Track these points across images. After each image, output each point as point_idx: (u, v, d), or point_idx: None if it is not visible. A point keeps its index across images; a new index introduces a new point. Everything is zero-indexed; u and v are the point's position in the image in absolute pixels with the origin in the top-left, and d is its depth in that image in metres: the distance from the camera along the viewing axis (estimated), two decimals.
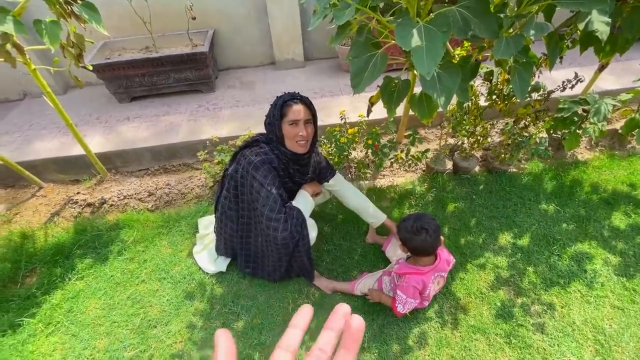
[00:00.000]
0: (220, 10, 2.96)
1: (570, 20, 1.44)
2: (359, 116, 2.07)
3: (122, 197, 2.20)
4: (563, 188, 2.09)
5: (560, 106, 2.09)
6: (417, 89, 1.40)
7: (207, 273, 1.75)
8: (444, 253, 1.45)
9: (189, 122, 2.61)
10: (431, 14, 1.07)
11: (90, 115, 2.78)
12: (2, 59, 1.43)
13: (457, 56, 1.52)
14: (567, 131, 2.12)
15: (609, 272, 1.65)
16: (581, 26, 1.17)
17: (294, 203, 1.46)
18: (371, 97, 1.64)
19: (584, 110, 2.05)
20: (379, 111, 1.93)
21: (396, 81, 1.36)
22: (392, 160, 2.28)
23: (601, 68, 2.13)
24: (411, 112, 1.56)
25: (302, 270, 1.61)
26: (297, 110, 1.30)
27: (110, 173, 2.40)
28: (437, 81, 1.08)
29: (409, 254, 1.43)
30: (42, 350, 1.51)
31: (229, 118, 2.62)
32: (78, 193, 2.26)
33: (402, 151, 2.12)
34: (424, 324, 1.51)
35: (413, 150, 2.13)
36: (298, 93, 1.35)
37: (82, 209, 2.16)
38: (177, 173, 2.43)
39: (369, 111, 1.70)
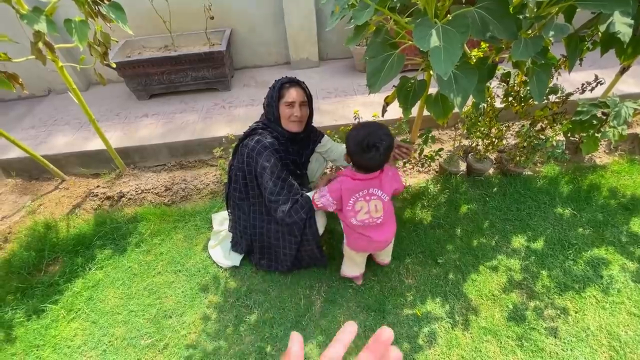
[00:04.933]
0: (238, 11, 3.02)
1: (592, 22, 1.42)
2: (373, 116, 2.08)
3: (139, 192, 2.27)
4: (580, 192, 2.05)
5: (579, 109, 2.05)
6: (432, 90, 1.40)
7: (221, 267, 1.79)
8: (389, 174, 1.32)
9: (205, 119, 2.67)
10: (449, 15, 1.08)
11: (111, 112, 2.87)
12: (34, 57, 1.50)
13: (474, 57, 1.52)
14: (585, 134, 2.08)
15: (626, 278, 1.62)
16: (602, 28, 1.16)
17: (309, 193, 1.49)
18: (387, 97, 1.65)
19: (603, 114, 2.01)
20: (393, 111, 1.94)
21: (412, 81, 1.37)
22: (405, 160, 2.28)
23: (622, 71, 2.08)
24: (425, 113, 1.56)
25: (313, 258, 1.65)
26: (294, 92, 1.41)
27: (129, 168, 2.48)
28: (453, 82, 1.08)
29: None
30: (63, 335, 1.57)
31: (244, 116, 2.67)
32: (98, 186, 2.34)
33: (415, 151, 2.12)
34: (435, 323, 1.51)
35: (426, 150, 2.13)
36: (295, 77, 1.46)
37: (102, 201, 2.24)
38: (193, 169, 2.49)
39: (384, 111, 1.71)
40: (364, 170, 1.28)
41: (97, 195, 2.27)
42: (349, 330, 0.33)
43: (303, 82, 1.47)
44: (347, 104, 2.72)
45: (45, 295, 1.72)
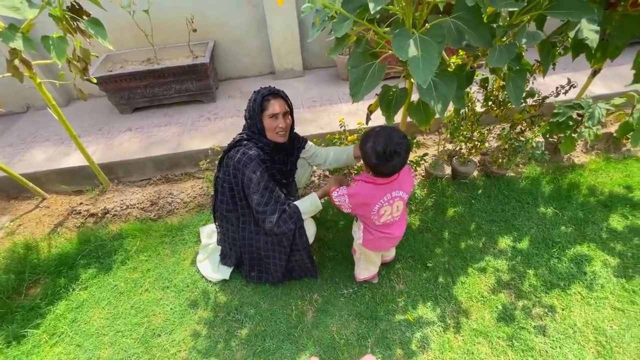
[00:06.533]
0: (221, 23, 3.03)
1: (562, 29, 1.49)
2: (358, 123, 2.10)
3: (124, 207, 2.22)
4: (561, 191, 2.11)
5: (555, 111, 2.13)
6: (415, 97, 1.43)
7: (210, 281, 1.76)
8: (403, 171, 1.31)
9: (191, 131, 2.64)
10: (427, 25, 1.11)
11: (93, 127, 2.82)
12: (11, 74, 1.47)
13: (452, 64, 1.56)
14: (562, 135, 2.16)
15: (608, 273, 1.67)
16: (572, 34, 1.22)
17: (296, 202, 1.49)
18: (370, 105, 1.68)
19: (578, 115, 2.09)
20: (378, 119, 1.97)
21: (394, 89, 1.40)
22: None
23: (594, 73, 2.17)
24: (409, 119, 1.59)
25: (304, 269, 1.64)
26: (276, 104, 1.42)
27: (113, 183, 2.43)
28: (433, 89, 1.11)
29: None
30: None
31: (230, 127, 2.66)
32: (81, 204, 2.28)
33: None
34: (427, 328, 1.52)
35: (412, 155, 2.16)
36: (274, 87, 1.46)
37: (85, 219, 2.18)
38: (179, 182, 2.45)
39: (367, 119, 1.74)
40: (386, 175, 1.25)
41: (80, 212, 2.21)
42: None
43: (283, 92, 1.48)
44: (333, 112, 2.75)
45: (26, 319, 1.65)
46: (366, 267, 1.61)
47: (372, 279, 1.69)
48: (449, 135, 2.17)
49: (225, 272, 1.76)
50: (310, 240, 1.57)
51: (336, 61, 3.13)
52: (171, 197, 2.28)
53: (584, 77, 2.29)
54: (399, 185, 1.28)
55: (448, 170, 2.25)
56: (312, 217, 1.59)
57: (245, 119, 1.52)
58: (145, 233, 2.04)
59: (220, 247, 1.79)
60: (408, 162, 2.16)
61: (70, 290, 1.76)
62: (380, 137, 1.17)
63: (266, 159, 1.46)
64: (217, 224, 1.73)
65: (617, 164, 2.29)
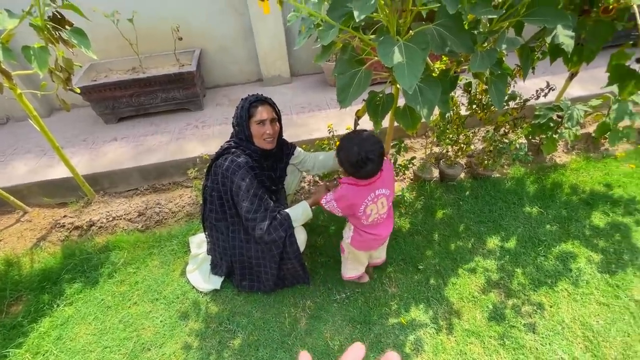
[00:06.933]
0: (207, 31, 3.02)
1: (539, 34, 1.54)
2: (347, 129, 2.12)
3: (110, 219, 2.17)
4: (544, 190, 2.17)
5: (537, 113, 2.20)
6: (401, 102, 1.46)
7: (201, 292, 1.73)
8: (385, 169, 1.34)
9: (178, 140, 2.62)
10: (410, 32, 1.14)
11: (76, 137, 2.76)
12: None
13: (437, 70, 1.60)
14: (544, 136, 2.23)
15: (592, 270, 1.71)
16: (549, 39, 1.27)
17: (287, 210, 1.49)
18: (357, 110, 1.70)
19: (558, 116, 2.16)
20: (366, 123, 1.99)
21: (380, 95, 1.42)
22: None
23: (571, 76, 2.26)
24: (396, 124, 1.61)
25: (296, 276, 1.63)
26: (264, 111, 1.42)
27: (98, 195, 2.37)
28: (419, 94, 1.14)
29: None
30: None
31: (218, 135, 2.64)
32: (65, 216, 2.22)
33: (389, 161, 2.17)
34: (420, 330, 1.52)
35: (400, 159, 2.19)
36: (261, 94, 1.47)
37: (70, 232, 2.12)
38: (167, 192, 2.42)
39: (355, 124, 1.75)
40: (365, 179, 1.29)
41: (64, 225, 2.15)
42: (355, 350, 0.31)
43: (270, 99, 1.49)
44: (321, 117, 2.77)
45: (8, 338, 1.59)
46: (354, 267, 1.62)
47: (360, 279, 1.69)
48: (435, 139, 2.21)
49: (216, 282, 1.73)
50: (302, 247, 1.56)
51: (323, 68, 3.15)
52: (159, 207, 2.25)
53: (562, 80, 2.37)
54: (381, 184, 1.32)
55: (436, 173, 2.29)
56: (302, 225, 1.59)
57: (233, 126, 1.52)
58: (133, 245, 1.99)
59: (210, 257, 1.76)
60: (396, 165, 2.20)
61: (55, 306, 1.71)
62: (353, 145, 1.22)
63: (255, 166, 1.46)
64: (206, 233, 1.71)
65: (596, 162, 2.37)
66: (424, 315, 1.58)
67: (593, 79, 2.93)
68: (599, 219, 1.98)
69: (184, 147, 2.53)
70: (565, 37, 1.18)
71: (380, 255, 1.70)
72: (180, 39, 2.80)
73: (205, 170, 2.07)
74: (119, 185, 2.44)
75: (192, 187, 2.37)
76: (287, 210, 1.48)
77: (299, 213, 1.49)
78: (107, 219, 2.17)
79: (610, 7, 1.34)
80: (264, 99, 1.45)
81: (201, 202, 2.22)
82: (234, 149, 1.47)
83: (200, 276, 1.76)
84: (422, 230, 1.98)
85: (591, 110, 2.19)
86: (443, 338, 1.50)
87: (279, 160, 1.64)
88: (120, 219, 2.17)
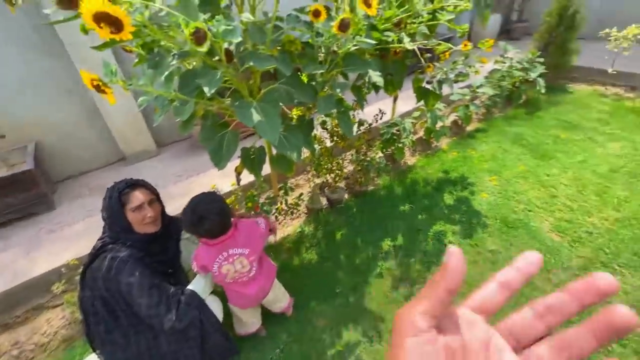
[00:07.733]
0: (40, 120, 2.64)
1: (360, 76, 1.97)
2: (232, 185, 2.15)
3: None
4: (407, 189, 2.65)
5: (382, 132, 2.71)
6: (274, 150, 1.60)
7: None
8: (242, 226, 1.36)
9: (30, 253, 2.12)
10: (262, 90, 1.30)
11: None
12: None
13: (295, 116, 1.83)
14: (393, 147, 2.75)
15: (457, 238, 2.16)
16: (367, 79, 1.64)
17: (189, 286, 1.39)
18: (236, 167, 1.76)
19: (397, 130, 2.72)
20: (249, 175, 2.07)
21: (252, 150, 1.53)
22: (274, 214, 2.41)
23: (394, 99, 2.89)
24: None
25: (221, 351, 1.49)
26: (139, 195, 1.32)
27: None
28: (285, 142, 1.29)
29: None
30: None
31: (85, 232, 2.27)
32: None
33: (281, 203, 2.29)
34: (356, 349, 1.60)
35: (290, 199, 2.33)
36: (131, 178, 1.37)
37: None
38: (25, 324, 1.90)
39: (238, 180, 1.81)
40: (211, 237, 1.29)
41: None
42: (530, 260, 0.26)
43: (142, 180, 1.39)
44: (203, 180, 2.71)
45: None
46: (245, 323, 1.60)
47: (259, 332, 1.68)
48: (315, 171, 2.46)
49: None
50: (220, 317, 1.47)
51: (193, 132, 3.13)
52: (18, 348, 1.74)
53: (390, 103, 3.01)
54: (234, 243, 1.32)
55: (324, 201, 2.52)
56: (213, 293, 1.51)
57: (104, 220, 1.35)
58: None
59: None
60: (288, 208, 2.33)
61: None
62: (188, 207, 1.26)
63: (141, 256, 1.32)
64: (98, 352, 1.41)
65: (433, 157, 3.05)
66: (355, 334, 1.67)
67: (409, 97, 3.76)
68: (448, 198, 2.53)
69: (40, 259, 2.07)
70: (376, 76, 1.56)
71: (276, 307, 1.67)
72: (3, 136, 2.36)
73: (78, 278, 1.74)
74: None
75: (62, 304, 1.93)
76: (188, 287, 1.38)
77: (202, 284, 1.41)
78: None
79: (397, 50, 1.84)
80: (135, 182, 1.35)
81: (81, 317, 1.83)
82: (110, 245, 1.30)
83: None
84: (329, 256, 2.12)
85: (416, 121, 2.85)
86: (378, 346, 1.61)
87: (168, 241, 1.53)
88: None
